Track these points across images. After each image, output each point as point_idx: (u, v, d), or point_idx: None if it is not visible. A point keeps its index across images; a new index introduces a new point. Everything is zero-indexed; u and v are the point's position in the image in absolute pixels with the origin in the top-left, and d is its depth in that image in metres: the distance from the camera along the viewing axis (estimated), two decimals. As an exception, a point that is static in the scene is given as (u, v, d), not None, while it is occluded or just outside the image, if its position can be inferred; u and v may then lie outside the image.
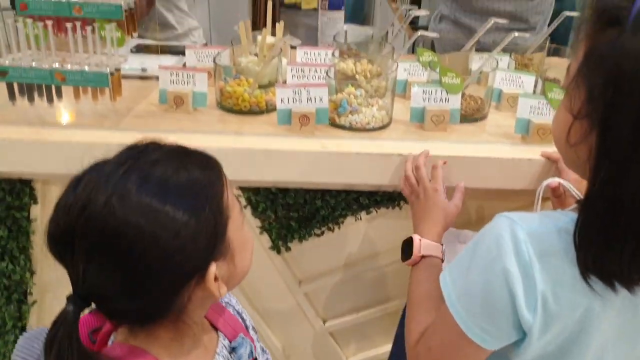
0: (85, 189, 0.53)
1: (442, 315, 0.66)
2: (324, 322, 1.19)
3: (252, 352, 0.69)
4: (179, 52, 1.44)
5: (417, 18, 1.28)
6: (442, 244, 0.85)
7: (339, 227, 1.07)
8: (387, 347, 1.12)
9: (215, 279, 0.57)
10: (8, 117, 1.01)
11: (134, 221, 0.52)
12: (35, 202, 1.04)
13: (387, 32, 1.43)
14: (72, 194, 0.54)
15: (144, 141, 0.60)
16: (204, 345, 0.64)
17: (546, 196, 0.92)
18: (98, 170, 0.55)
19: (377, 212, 1.05)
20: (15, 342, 1.15)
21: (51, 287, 1.13)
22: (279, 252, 1.08)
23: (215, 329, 0.68)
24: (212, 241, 0.57)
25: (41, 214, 1.05)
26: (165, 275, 0.54)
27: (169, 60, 1.41)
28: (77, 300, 0.54)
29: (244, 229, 0.63)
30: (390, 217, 1.06)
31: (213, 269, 0.56)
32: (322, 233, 1.07)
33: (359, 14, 4.43)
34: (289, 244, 1.07)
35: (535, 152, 0.96)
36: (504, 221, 0.61)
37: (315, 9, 4.19)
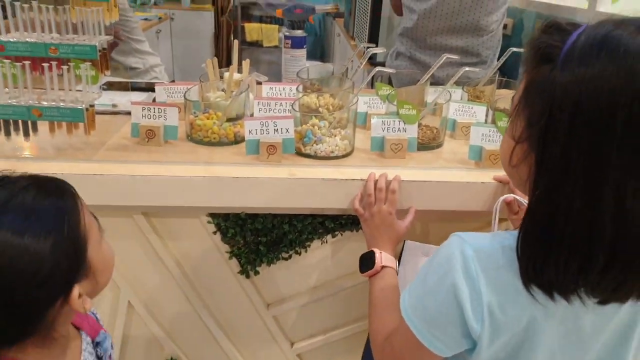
0: None
1: (402, 327, 0.72)
2: (292, 344, 1.22)
3: (112, 345, 0.78)
4: (148, 89, 1.50)
5: (374, 55, 1.38)
6: (395, 258, 0.93)
7: (306, 251, 1.12)
8: (355, 366, 1.16)
9: (80, 296, 0.61)
10: (-18, 152, 1.03)
11: None
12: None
13: (347, 69, 1.52)
14: None
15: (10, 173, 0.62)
16: (71, 348, 0.69)
17: (504, 217, 1.00)
18: None
19: (342, 234, 1.11)
20: None
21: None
22: (247, 276, 1.12)
23: (77, 328, 0.73)
24: (74, 266, 0.61)
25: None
26: (31, 303, 0.58)
27: (138, 96, 1.47)
28: None
29: (102, 246, 0.67)
30: (354, 240, 1.12)
31: (76, 292, 0.61)
32: (290, 257, 1.12)
33: (318, 52, 4.61)
34: (257, 268, 1.11)
35: (488, 176, 1.04)
36: (455, 240, 0.67)
37: (277, 46, 4.35)
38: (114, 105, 1.33)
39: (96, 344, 0.75)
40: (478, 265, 0.64)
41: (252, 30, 4.33)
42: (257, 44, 4.31)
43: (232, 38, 4.46)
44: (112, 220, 1.01)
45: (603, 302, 0.62)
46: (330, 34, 3.85)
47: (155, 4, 4.41)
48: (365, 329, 1.21)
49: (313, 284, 1.16)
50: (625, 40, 0.55)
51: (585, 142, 0.56)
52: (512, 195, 0.97)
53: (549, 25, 0.62)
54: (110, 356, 0.78)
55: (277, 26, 4.42)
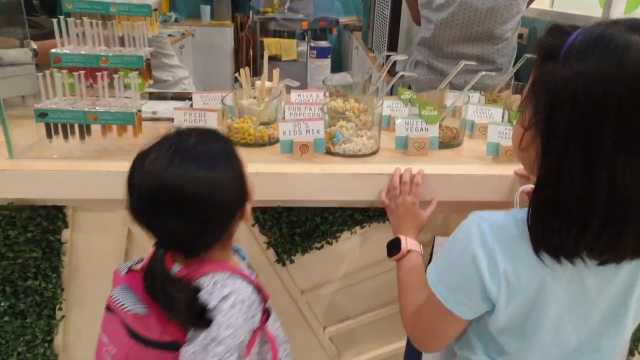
0: (155, 167, 0.75)
1: (430, 296, 0.81)
2: (324, 328, 1.30)
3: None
4: (181, 98, 1.61)
5: (394, 64, 1.46)
6: (419, 243, 1.02)
7: (337, 241, 1.20)
8: (382, 350, 1.23)
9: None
10: (44, 153, 1.14)
11: (197, 189, 0.75)
12: (67, 226, 1.16)
13: (370, 75, 1.61)
14: (141, 170, 0.77)
15: (173, 130, 0.84)
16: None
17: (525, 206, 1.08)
18: (157, 155, 0.77)
19: (369, 226, 1.19)
20: (44, 355, 1.24)
21: (77, 303, 1.25)
22: (284, 264, 1.20)
23: None
24: (244, 189, 0.83)
25: (71, 237, 1.17)
26: (224, 219, 0.81)
27: (175, 104, 1.57)
28: (163, 245, 0.79)
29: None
30: (381, 231, 1.20)
31: (248, 207, 0.84)
32: (322, 247, 1.20)
33: (336, 64, 4.73)
34: (293, 257, 1.20)
35: (504, 170, 1.12)
36: (473, 217, 0.77)
37: (295, 60, 4.47)
38: (154, 113, 1.44)
39: (242, 258, 0.97)
40: (493, 237, 0.73)
41: (271, 44, 4.46)
42: (275, 58, 4.44)
43: (251, 53, 4.61)
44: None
45: (602, 263, 0.71)
46: (348, 47, 3.96)
47: (176, 20, 4.58)
48: (390, 313, 1.29)
49: (343, 272, 1.24)
50: (617, 37, 0.63)
51: (581, 127, 0.64)
52: (530, 185, 1.04)
53: (552, 27, 0.72)
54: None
55: (295, 40, 4.55)
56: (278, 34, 4.63)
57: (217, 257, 0.84)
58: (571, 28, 0.69)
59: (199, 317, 0.76)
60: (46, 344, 1.23)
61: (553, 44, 0.69)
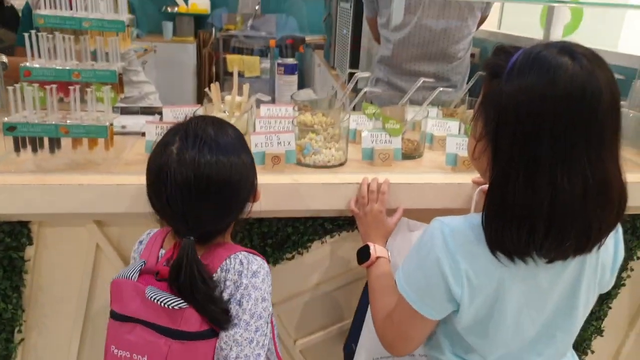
0: (187, 157, 0.81)
1: (399, 299, 0.87)
2: (294, 341, 1.32)
3: None
4: (152, 112, 1.63)
5: (356, 82, 1.54)
6: (387, 250, 1.08)
7: (307, 251, 1.24)
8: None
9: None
10: (9, 167, 1.12)
11: (229, 175, 0.83)
12: (31, 243, 1.14)
13: (335, 92, 1.68)
14: (173, 161, 0.82)
15: (188, 118, 0.90)
16: None
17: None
18: (183, 145, 0.83)
19: (339, 235, 1.24)
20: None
21: (37, 324, 1.22)
22: (256, 276, 1.23)
23: None
24: (255, 173, 0.92)
25: (35, 254, 1.16)
26: (242, 200, 0.89)
27: (144, 118, 1.58)
28: (194, 234, 0.83)
29: None
30: (351, 240, 1.25)
31: (258, 189, 0.94)
32: (293, 257, 1.24)
33: (300, 80, 4.83)
34: (265, 269, 1.22)
35: (463, 178, 1.20)
36: (436, 223, 0.83)
37: (258, 76, 4.53)
38: (123, 127, 1.45)
39: None
40: (454, 241, 0.80)
41: (233, 61, 4.50)
42: (239, 75, 4.49)
43: (214, 69, 4.63)
44: (133, 227, 1.12)
45: (550, 261, 0.78)
46: (311, 65, 4.05)
47: (138, 36, 4.55)
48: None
49: (314, 282, 1.27)
50: (549, 58, 0.72)
51: (523, 138, 0.73)
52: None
53: (497, 48, 0.81)
54: None
55: (258, 57, 4.62)
56: (240, 51, 4.68)
57: (227, 241, 0.93)
58: (513, 49, 0.77)
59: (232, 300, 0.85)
60: (4, 368, 1.20)
61: (498, 63, 0.77)
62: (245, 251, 0.90)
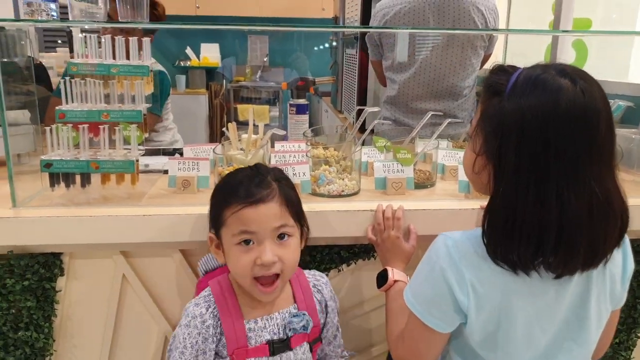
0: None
1: (409, 316, 0.89)
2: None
3: None
4: (172, 153, 1.71)
5: (363, 123, 1.61)
6: (405, 274, 1.10)
7: (325, 280, 1.27)
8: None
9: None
10: (44, 202, 1.19)
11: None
12: (62, 273, 1.19)
13: (345, 128, 1.76)
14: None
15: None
16: None
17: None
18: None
19: (355, 263, 1.27)
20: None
21: (66, 355, 1.25)
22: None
23: None
24: None
25: (66, 285, 1.20)
26: None
27: (165, 158, 1.66)
28: None
29: None
30: (367, 269, 1.28)
31: None
32: (311, 286, 1.26)
33: (309, 125, 4.96)
34: (284, 297, 1.25)
35: (476, 205, 1.23)
36: (440, 237, 0.87)
37: (267, 124, 4.67)
38: (146, 166, 1.52)
39: None
40: (458, 252, 0.83)
41: (244, 110, 4.66)
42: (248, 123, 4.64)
43: (225, 118, 4.78)
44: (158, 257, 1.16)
45: (558, 276, 0.81)
46: (318, 110, 4.19)
47: (153, 90, 4.74)
48: (380, 352, 1.33)
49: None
50: (549, 81, 0.77)
51: (529, 153, 0.76)
52: None
53: (496, 67, 0.86)
54: None
55: (267, 106, 4.78)
56: (250, 101, 4.85)
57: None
58: (511, 68, 0.83)
59: None
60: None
61: (498, 82, 0.82)
62: (207, 291, 1.02)
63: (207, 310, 0.98)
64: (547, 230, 0.76)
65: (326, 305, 1.09)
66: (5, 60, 1.30)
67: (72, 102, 1.25)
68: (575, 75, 0.78)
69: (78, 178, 1.21)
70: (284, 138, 1.48)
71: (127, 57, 1.28)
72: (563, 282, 0.83)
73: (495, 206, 0.81)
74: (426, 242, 1.24)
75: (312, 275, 1.11)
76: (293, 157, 1.40)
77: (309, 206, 1.20)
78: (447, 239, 0.85)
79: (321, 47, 4.95)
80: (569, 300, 0.85)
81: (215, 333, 0.97)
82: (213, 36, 5.06)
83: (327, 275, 1.27)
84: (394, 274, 1.09)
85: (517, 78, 0.80)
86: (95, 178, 1.23)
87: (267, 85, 4.90)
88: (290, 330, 1.00)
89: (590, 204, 0.76)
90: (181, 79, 4.87)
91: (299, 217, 1.01)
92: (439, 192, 1.37)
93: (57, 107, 1.21)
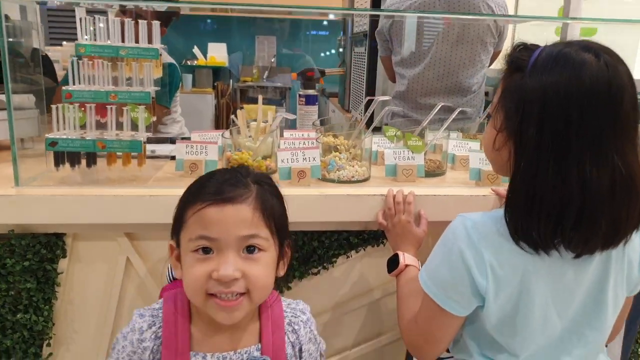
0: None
1: (423, 299, 0.87)
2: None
3: None
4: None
5: (371, 119, 1.59)
6: (416, 259, 1.07)
7: (333, 266, 1.24)
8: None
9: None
10: (48, 182, 1.17)
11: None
12: (65, 255, 1.16)
13: (355, 119, 1.74)
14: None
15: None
16: None
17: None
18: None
19: (364, 250, 1.24)
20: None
21: (66, 340, 1.22)
22: (281, 292, 1.23)
23: None
24: None
25: (67, 267, 1.18)
26: None
27: (172, 146, 1.64)
28: None
29: None
30: (376, 256, 1.25)
31: None
32: (319, 272, 1.24)
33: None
34: (290, 284, 1.23)
35: (487, 192, 1.21)
36: (458, 218, 0.85)
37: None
38: (153, 151, 1.50)
39: None
40: (477, 233, 0.81)
41: (250, 110, 4.65)
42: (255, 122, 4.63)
43: (231, 118, 4.78)
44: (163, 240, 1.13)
45: (577, 255, 0.78)
46: (325, 111, 4.17)
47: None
48: (390, 341, 1.30)
49: (339, 299, 1.26)
50: (572, 55, 0.75)
51: (551, 130, 0.74)
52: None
53: (518, 44, 0.84)
54: None
55: (274, 107, 4.76)
56: (257, 101, 4.84)
57: None
58: (533, 46, 0.81)
59: None
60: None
61: (520, 58, 0.80)
62: (159, 304, 0.84)
63: (150, 329, 0.79)
64: (569, 207, 0.74)
65: (300, 350, 0.85)
66: (11, 40, 1.29)
67: (80, 84, 1.24)
68: (600, 50, 0.76)
69: (84, 160, 1.19)
70: (294, 123, 1.46)
71: (137, 42, 1.26)
72: (582, 264, 0.81)
73: (516, 184, 0.79)
74: (436, 228, 1.22)
75: (292, 309, 0.88)
76: (302, 145, 1.38)
77: (318, 190, 1.18)
78: (466, 220, 0.83)
79: (330, 51, 4.96)
80: (587, 284, 0.83)
81: (153, 359, 0.79)
82: (221, 36, 5.06)
83: (335, 262, 1.24)
84: (405, 258, 1.07)
85: (539, 54, 0.78)
86: (101, 160, 1.21)
87: (274, 85, 4.89)
88: None
89: (613, 179, 0.74)
90: (188, 77, 4.87)
91: (280, 231, 0.80)
92: (449, 180, 1.34)
93: (63, 88, 1.19)
